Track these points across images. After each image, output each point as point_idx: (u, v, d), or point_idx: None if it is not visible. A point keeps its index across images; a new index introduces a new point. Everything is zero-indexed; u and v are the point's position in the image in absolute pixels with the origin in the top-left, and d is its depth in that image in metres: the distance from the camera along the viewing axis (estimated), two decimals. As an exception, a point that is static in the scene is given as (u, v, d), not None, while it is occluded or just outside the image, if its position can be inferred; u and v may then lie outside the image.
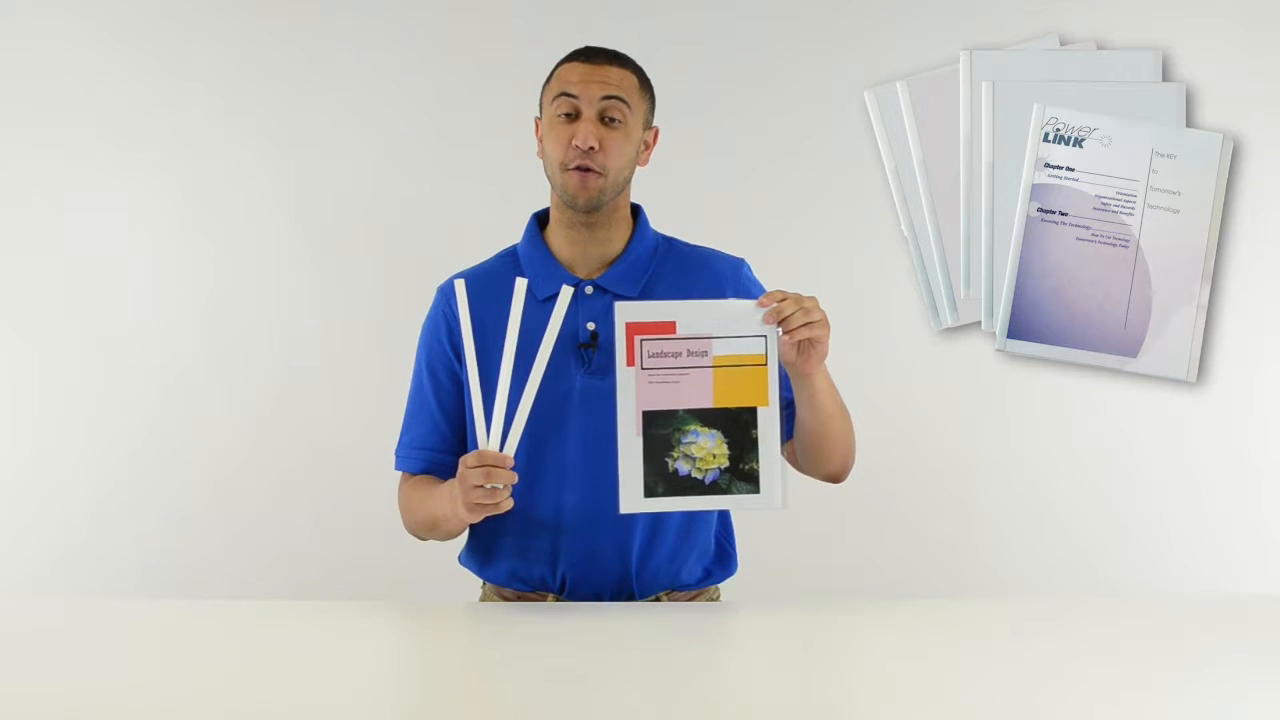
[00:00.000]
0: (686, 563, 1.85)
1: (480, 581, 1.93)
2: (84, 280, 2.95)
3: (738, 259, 1.90)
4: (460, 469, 1.67)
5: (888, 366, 3.01)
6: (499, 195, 2.88)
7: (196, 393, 2.96)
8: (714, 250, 1.91)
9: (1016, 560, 3.00)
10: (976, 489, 3.02)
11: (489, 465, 1.64)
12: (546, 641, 1.55)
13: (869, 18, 2.99)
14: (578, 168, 1.75)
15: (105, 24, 2.92)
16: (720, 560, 1.92)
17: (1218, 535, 3.02)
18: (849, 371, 2.85)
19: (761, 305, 1.68)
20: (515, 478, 1.67)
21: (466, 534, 1.89)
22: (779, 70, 3.00)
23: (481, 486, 1.64)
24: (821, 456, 1.83)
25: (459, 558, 1.93)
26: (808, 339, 1.67)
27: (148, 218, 2.95)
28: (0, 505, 2.95)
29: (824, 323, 1.68)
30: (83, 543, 2.94)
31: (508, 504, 1.66)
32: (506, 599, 1.86)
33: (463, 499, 1.66)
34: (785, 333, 1.67)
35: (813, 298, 1.69)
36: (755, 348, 1.69)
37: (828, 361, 1.74)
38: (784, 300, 1.67)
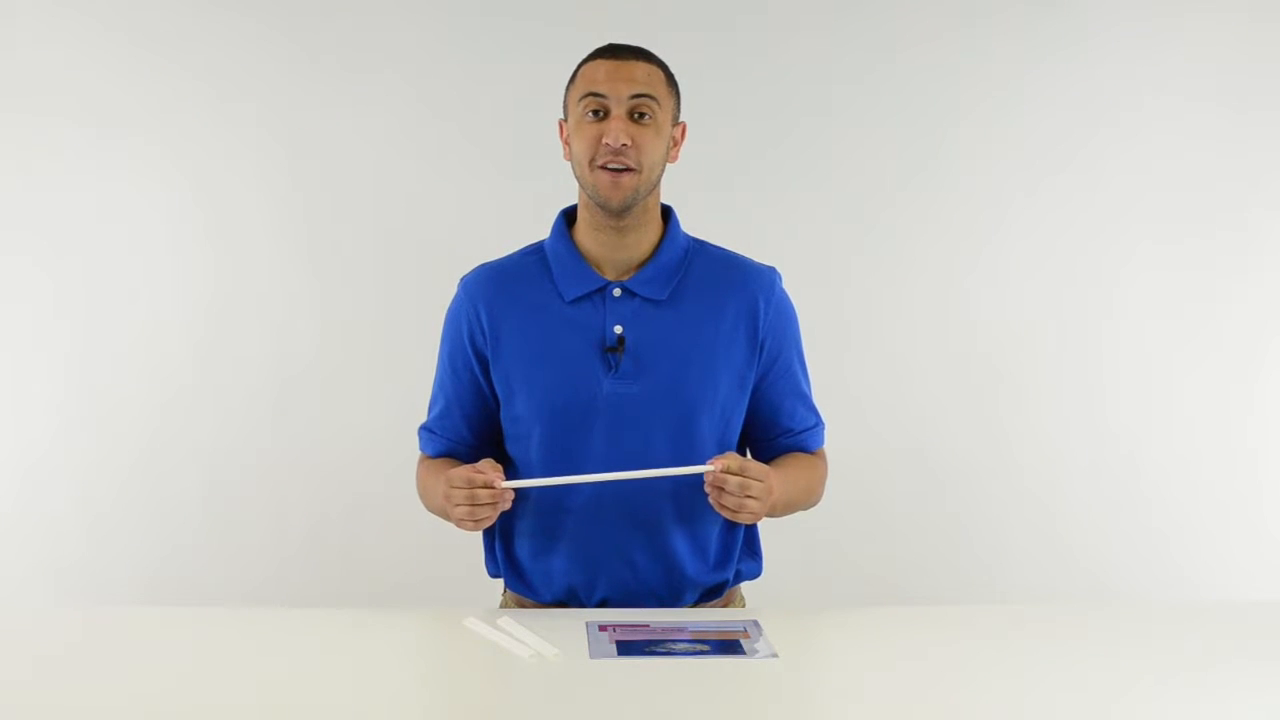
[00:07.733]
0: (720, 564, 1.82)
1: (500, 589, 1.91)
2: (80, 286, 2.93)
3: (770, 268, 1.83)
4: (445, 488, 1.69)
5: (887, 369, 3.00)
6: (501, 202, 2.87)
7: (194, 399, 2.94)
8: (746, 258, 1.84)
9: (1016, 565, 3.00)
10: (973, 494, 3.02)
11: (475, 489, 1.65)
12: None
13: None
14: (608, 167, 1.69)
15: (106, 20, 2.88)
16: (749, 553, 1.88)
17: (1217, 539, 3.02)
18: (847, 372, 2.90)
19: (708, 471, 1.65)
20: (498, 500, 1.67)
21: (487, 543, 1.88)
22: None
23: (464, 506, 1.66)
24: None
25: (485, 566, 1.90)
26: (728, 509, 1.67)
27: (143, 223, 2.93)
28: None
29: (751, 511, 1.66)
30: (78, 553, 2.93)
31: (490, 520, 1.68)
32: (526, 607, 1.83)
33: (452, 515, 1.69)
34: (711, 500, 1.66)
35: (761, 483, 1.66)
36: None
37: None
38: (727, 479, 1.64)
